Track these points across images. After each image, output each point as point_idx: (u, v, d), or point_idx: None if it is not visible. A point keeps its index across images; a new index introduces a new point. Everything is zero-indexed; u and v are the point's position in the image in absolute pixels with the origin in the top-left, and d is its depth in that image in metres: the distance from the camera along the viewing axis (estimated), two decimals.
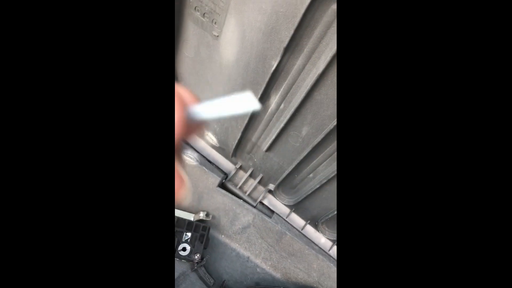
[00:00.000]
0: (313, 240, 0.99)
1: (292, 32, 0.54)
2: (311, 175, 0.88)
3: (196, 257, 0.86)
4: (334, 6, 0.51)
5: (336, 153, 0.76)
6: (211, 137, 0.95)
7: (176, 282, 0.86)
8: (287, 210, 1.01)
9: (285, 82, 0.65)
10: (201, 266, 0.88)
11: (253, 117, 0.75)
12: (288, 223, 0.99)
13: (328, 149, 0.76)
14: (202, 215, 0.92)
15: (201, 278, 0.87)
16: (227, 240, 0.93)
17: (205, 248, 0.89)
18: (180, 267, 0.88)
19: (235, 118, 0.77)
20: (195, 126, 0.20)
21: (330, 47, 0.54)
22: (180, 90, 0.18)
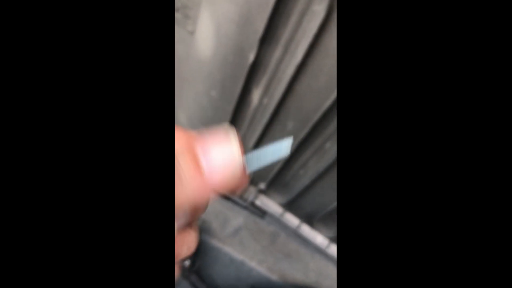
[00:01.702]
0: (309, 239, 0.97)
1: (265, 21, 0.52)
2: (301, 171, 0.85)
3: (187, 263, 0.83)
4: None
5: (325, 147, 0.74)
6: None
7: None
8: (280, 209, 0.98)
9: (265, 75, 0.63)
10: (193, 272, 0.85)
11: (236, 115, 0.73)
12: (282, 222, 0.96)
13: (315, 143, 0.74)
14: None
15: (193, 284, 0.84)
16: (219, 244, 0.90)
17: (196, 253, 0.86)
18: None
19: (218, 115, 0.75)
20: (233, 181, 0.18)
21: (307, 35, 0.53)
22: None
